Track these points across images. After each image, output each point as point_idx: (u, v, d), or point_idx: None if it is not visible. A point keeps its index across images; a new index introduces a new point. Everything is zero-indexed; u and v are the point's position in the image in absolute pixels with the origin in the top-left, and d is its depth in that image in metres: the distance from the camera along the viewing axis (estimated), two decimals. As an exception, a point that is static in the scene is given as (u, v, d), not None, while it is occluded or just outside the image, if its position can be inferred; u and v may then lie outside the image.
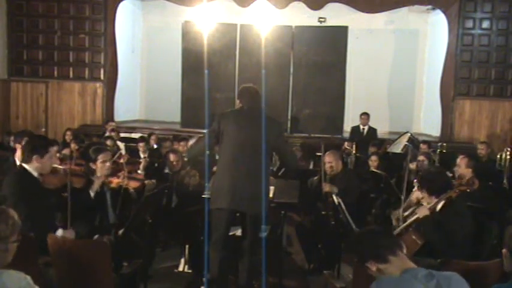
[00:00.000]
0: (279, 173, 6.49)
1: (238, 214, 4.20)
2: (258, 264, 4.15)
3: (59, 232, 3.50)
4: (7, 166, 5.14)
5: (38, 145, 3.73)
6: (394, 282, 2.19)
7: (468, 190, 3.99)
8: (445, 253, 3.44)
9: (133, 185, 4.52)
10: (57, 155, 5.65)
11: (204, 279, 4.40)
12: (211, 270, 4.02)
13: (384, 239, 2.34)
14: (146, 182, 5.24)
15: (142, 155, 7.91)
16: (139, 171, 5.22)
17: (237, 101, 4.31)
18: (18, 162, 4.90)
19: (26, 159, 3.68)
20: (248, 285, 4.17)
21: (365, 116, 10.13)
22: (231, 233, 4.25)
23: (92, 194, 4.09)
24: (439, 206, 3.84)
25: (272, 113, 10.89)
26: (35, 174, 3.66)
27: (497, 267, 2.89)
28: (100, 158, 4.25)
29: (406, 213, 4.27)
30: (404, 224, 3.96)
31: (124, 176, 4.45)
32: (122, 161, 5.98)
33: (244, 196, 3.93)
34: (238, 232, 4.31)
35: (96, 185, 4.12)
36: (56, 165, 3.98)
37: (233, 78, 11.43)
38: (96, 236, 3.89)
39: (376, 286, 2.21)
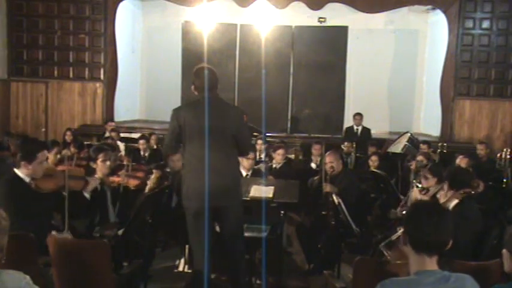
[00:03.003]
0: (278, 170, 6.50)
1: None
2: (244, 262, 4.13)
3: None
4: (5, 167, 5.12)
5: (26, 151, 3.69)
6: (401, 284, 2.11)
7: (473, 192, 4.00)
8: (446, 253, 3.44)
9: (133, 183, 4.50)
10: (58, 156, 5.67)
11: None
12: (199, 268, 3.92)
13: (436, 234, 2.09)
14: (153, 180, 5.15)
15: (142, 153, 7.94)
16: (149, 182, 5.15)
17: (192, 87, 3.99)
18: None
19: (17, 164, 3.67)
20: (240, 284, 4.11)
21: (358, 116, 10.12)
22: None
23: (87, 195, 4.05)
24: (452, 204, 3.88)
25: (272, 113, 11.00)
26: (27, 179, 3.63)
27: (497, 267, 2.89)
28: (100, 157, 4.25)
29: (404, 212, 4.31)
30: None
31: (124, 175, 4.43)
32: (125, 162, 5.99)
33: (217, 191, 3.76)
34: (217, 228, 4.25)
35: (90, 187, 4.06)
36: (54, 167, 3.96)
37: (233, 78, 11.43)
38: (97, 228, 3.88)
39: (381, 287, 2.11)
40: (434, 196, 4.26)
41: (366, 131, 10.10)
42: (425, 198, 4.31)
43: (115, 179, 4.36)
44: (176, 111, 3.94)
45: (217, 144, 3.79)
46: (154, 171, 5.13)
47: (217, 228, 4.19)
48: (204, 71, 3.92)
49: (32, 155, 3.66)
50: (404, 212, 4.31)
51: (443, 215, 2.14)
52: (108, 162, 4.30)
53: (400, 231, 3.84)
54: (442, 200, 4.00)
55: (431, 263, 2.10)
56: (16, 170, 3.65)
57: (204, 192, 3.73)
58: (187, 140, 3.90)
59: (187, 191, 3.87)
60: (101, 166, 4.26)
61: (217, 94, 3.97)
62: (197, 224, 3.83)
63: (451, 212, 3.86)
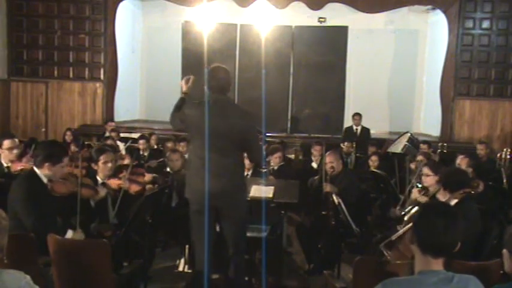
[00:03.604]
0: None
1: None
2: (246, 263, 4.11)
3: (69, 233, 3.51)
4: None
5: (52, 153, 3.73)
6: (403, 283, 2.10)
7: (472, 192, 4.00)
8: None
9: (134, 188, 4.50)
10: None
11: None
12: (198, 268, 3.94)
13: (444, 238, 2.07)
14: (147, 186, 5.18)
15: (142, 153, 7.94)
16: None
17: (205, 87, 3.93)
18: (4, 164, 4.91)
19: (38, 163, 3.71)
20: (239, 284, 4.11)
21: (357, 116, 10.12)
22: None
23: (93, 203, 4.08)
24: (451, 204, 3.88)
25: (272, 113, 11.01)
26: (44, 180, 3.68)
27: (497, 267, 2.89)
28: (102, 158, 4.27)
29: (406, 210, 4.32)
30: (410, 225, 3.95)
31: (125, 178, 4.42)
32: (125, 162, 5.98)
33: (217, 192, 3.73)
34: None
35: (98, 197, 4.09)
36: (68, 173, 3.99)
37: (233, 78, 11.40)
38: (92, 225, 3.88)
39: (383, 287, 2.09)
40: (434, 196, 4.26)
41: (365, 131, 10.10)
42: (425, 198, 4.31)
43: (116, 181, 4.36)
44: (188, 105, 3.94)
45: (219, 146, 3.76)
46: (146, 174, 5.13)
47: (217, 228, 4.19)
48: (212, 71, 3.89)
49: (58, 158, 3.71)
50: (403, 213, 4.32)
51: (454, 219, 2.10)
52: (109, 164, 4.31)
53: (401, 230, 3.85)
54: (441, 200, 4.00)
55: (437, 264, 2.09)
56: (36, 169, 3.69)
57: (205, 193, 3.73)
58: (191, 139, 3.93)
59: (190, 191, 3.90)
60: (102, 168, 4.28)
61: (226, 95, 3.93)
62: (198, 224, 3.85)
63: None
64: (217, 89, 3.84)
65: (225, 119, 3.77)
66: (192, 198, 3.88)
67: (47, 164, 3.67)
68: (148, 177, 5.12)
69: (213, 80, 3.87)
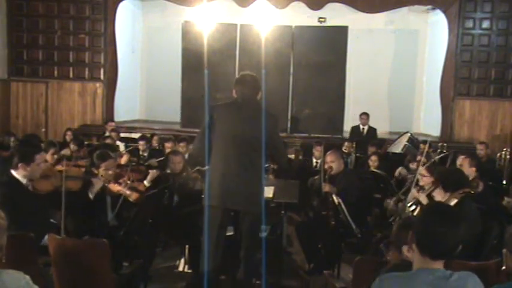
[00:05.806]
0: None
1: (232, 213, 4.11)
2: (256, 264, 4.14)
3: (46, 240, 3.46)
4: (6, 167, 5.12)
5: (23, 153, 3.71)
6: (400, 279, 2.11)
7: (472, 192, 4.00)
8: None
9: (134, 197, 4.49)
10: (55, 156, 5.67)
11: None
12: (210, 268, 3.95)
13: (443, 243, 2.05)
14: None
15: (142, 153, 7.93)
16: (145, 182, 5.13)
17: (233, 91, 4.06)
18: None
19: (14, 166, 3.68)
20: (247, 284, 4.13)
21: (364, 115, 10.12)
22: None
23: (91, 196, 4.08)
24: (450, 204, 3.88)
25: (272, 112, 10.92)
26: (24, 181, 3.65)
27: (497, 267, 2.89)
28: (103, 166, 4.28)
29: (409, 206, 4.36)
30: None
31: (126, 185, 4.42)
32: (122, 161, 5.97)
33: (236, 193, 3.79)
34: (231, 231, 4.26)
35: (96, 188, 4.10)
36: (51, 168, 3.96)
37: (233, 78, 11.17)
38: (86, 237, 3.87)
39: (380, 283, 2.12)
40: (429, 195, 4.27)
41: (372, 130, 10.10)
42: (422, 196, 4.31)
43: (116, 187, 4.35)
44: (213, 108, 3.99)
45: (245, 147, 3.81)
46: (150, 171, 5.13)
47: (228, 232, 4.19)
48: (244, 78, 4.08)
49: (30, 157, 3.67)
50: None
51: (456, 225, 2.07)
52: (110, 172, 4.32)
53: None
54: (437, 199, 4.00)
55: (435, 264, 2.09)
56: (13, 172, 3.65)
57: (224, 194, 3.77)
58: (215, 139, 3.91)
59: (208, 190, 3.89)
60: (103, 174, 4.29)
61: (255, 98, 4.01)
62: (212, 224, 3.86)
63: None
64: (246, 91, 3.95)
65: (252, 120, 3.82)
66: (213, 200, 3.85)
67: (20, 165, 3.64)
68: (152, 173, 5.12)
69: (241, 84, 4.00)
